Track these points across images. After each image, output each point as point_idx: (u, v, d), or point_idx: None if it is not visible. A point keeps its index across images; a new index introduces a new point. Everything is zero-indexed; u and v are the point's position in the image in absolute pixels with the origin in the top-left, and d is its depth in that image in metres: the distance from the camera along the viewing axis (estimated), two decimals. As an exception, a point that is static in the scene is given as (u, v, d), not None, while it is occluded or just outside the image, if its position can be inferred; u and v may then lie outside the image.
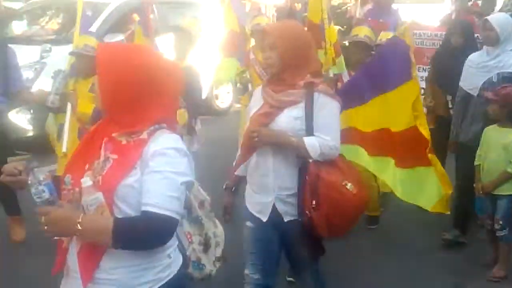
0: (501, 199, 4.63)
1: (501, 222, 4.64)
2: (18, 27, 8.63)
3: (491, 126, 4.75)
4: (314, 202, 3.01)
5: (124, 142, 2.14)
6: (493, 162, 4.65)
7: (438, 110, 5.74)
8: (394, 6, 8.49)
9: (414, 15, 10.56)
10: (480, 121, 4.93)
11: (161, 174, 2.08)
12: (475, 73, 5.07)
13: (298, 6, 13.16)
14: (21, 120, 7.34)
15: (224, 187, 3.43)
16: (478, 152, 4.77)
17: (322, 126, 3.06)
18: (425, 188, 4.53)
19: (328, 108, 3.10)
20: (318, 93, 3.07)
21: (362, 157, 4.63)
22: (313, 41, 3.32)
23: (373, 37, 5.57)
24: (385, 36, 5.72)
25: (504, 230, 4.64)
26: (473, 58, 5.16)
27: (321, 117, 3.07)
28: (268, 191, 3.19)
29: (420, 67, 6.54)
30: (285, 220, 3.17)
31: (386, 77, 4.45)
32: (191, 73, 5.18)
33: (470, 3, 8.83)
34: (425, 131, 4.46)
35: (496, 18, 5.16)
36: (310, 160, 3.05)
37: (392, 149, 4.55)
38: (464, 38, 5.51)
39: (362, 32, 5.52)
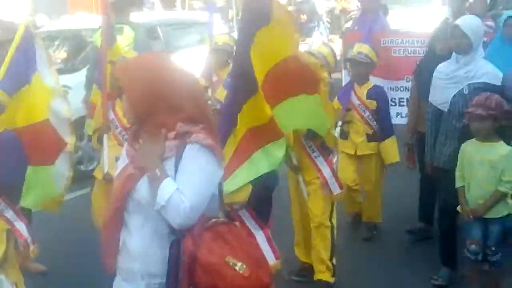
0: (493, 224, 4.19)
1: (493, 248, 4.20)
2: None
3: (468, 142, 4.25)
4: None
5: None
6: (480, 182, 4.18)
7: (420, 126, 5.27)
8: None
9: (406, 20, 10.13)
10: (454, 140, 4.43)
11: None
12: (444, 85, 4.56)
13: (304, 17, 12.72)
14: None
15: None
16: (457, 172, 4.29)
17: (181, 183, 2.37)
18: (317, 114, 4.22)
19: (195, 162, 2.40)
20: (191, 145, 2.40)
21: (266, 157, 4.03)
22: (185, 80, 2.49)
23: (370, 54, 5.47)
24: (357, 49, 5.47)
25: (497, 255, 4.21)
26: (441, 68, 4.64)
27: (182, 172, 2.39)
28: (136, 279, 2.48)
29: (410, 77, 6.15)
30: None
31: None
32: None
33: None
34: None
35: (468, 23, 4.51)
36: (186, 232, 2.32)
37: (279, 88, 4.02)
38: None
39: (358, 49, 5.53)
